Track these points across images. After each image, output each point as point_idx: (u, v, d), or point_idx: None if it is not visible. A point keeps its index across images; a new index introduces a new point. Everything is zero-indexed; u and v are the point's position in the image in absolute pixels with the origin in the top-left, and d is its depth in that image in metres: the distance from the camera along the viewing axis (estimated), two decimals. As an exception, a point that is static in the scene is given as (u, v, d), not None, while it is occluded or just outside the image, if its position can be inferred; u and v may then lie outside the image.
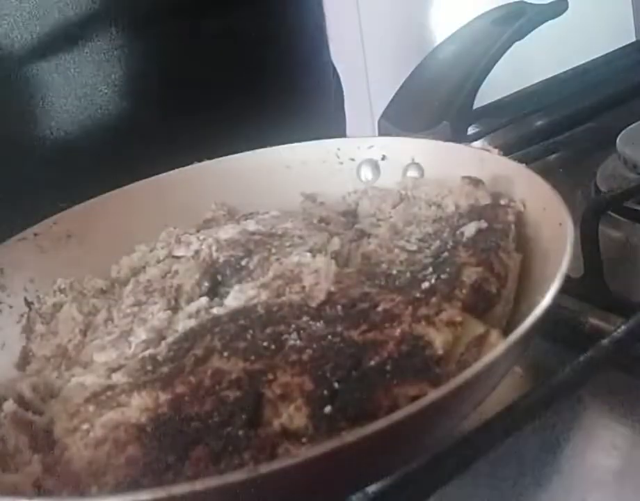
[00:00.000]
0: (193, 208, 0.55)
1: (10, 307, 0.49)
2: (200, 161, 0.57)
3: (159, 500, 0.29)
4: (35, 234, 0.52)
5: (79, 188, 0.54)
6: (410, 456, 0.36)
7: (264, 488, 0.30)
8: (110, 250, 0.52)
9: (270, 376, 0.35)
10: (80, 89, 0.65)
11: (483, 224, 0.45)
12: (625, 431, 0.44)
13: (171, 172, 0.56)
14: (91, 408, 0.37)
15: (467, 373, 0.32)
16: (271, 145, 0.57)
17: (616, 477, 0.41)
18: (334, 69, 0.88)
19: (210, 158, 0.57)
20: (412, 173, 0.53)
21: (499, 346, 0.34)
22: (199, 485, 0.29)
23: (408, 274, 0.43)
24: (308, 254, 0.45)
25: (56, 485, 0.35)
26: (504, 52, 0.58)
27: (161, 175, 0.56)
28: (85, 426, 0.36)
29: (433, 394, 0.32)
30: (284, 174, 0.56)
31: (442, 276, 0.41)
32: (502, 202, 0.47)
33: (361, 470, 0.33)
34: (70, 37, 0.63)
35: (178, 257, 0.49)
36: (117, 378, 0.39)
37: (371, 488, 0.36)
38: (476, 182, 0.48)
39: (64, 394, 0.40)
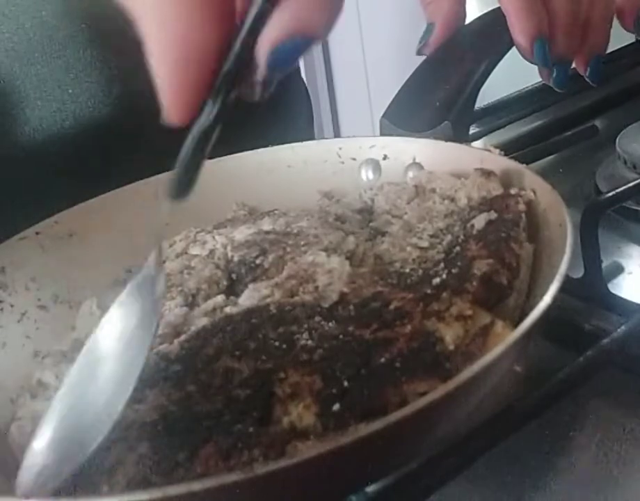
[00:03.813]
0: (195, 207, 0.55)
1: (12, 305, 0.49)
2: None
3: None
4: (37, 233, 0.52)
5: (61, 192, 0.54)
6: (410, 456, 0.36)
7: (262, 488, 0.30)
8: (113, 248, 0.52)
9: (282, 375, 0.35)
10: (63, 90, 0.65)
11: (493, 215, 0.44)
12: (625, 431, 0.44)
13: (172, 171, 0.56)
14: None
15: (463, 375, 0.32)
16: None
17: (617, 477, 0.41)
18: (305, 87, 0.89)
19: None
20: (413, 173, 0.53)
21: (496, 349, 0.34)
22: (196, 486, 0.29)
23: (420, 271, 0.43)
24: (323, 253, 0.45)
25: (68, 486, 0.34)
26: (506, 52, 0.58)
27: (163, 174, 0.56)
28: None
29: (422, 400, 0.32)
30: (284, 173, 0.56)
31: (453, 271, 0.41)
32: (512, 191, 0.46)
33: (360, 470, 0.33)
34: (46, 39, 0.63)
35: (194, 255, 0.49)
36: None
37: (371, 488, 0.36)
38: (487, 174, 0.48)
39: None
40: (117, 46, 0.64)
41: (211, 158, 0.57)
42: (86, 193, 0.54)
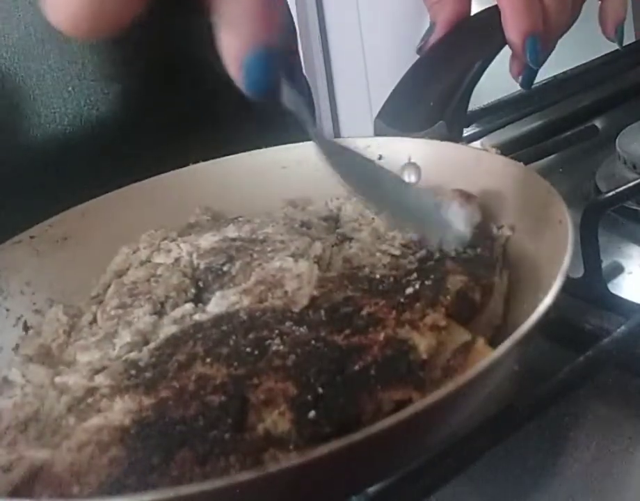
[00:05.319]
0: (190, 209, 0.55)
1: (7, 310, 0.49)
2: (194, 162, 0.57)
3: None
4: (31, 237, 0.51)
5: (68, 191, 0.54)
6: (409, 457, 0.36)
7: (266, 488, 0.30)
8: (107, 252, 0.51)
9: (255, 381, 0.35)
10: (68, 89, 0.64)
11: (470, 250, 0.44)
12: (625, 431, 0.44)
13: (167, 173, 0.56)
14: (72, 420, 0.36)
15: (475, 369, 0.32)
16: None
17: (617, 477, 0.41)
18: (307, 82, 0.89)
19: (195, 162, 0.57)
20: (409, 172, 0.53)
21: (503, 344, 0.33)
22: (207, 485, 0.29)
23: (392, 279, 0.42)
24: (290, 259, 0.44)
25: (38, 488, 0.34)
26: (499, 51, 0.58)
27: (157, 177, 0.56)
28: (66, 443, 0.35)
29: (433, 396, 0.31)
30: (281, 174, 0.56)
31: (427, 282, 0.40)
32: (493, 230, 0.46)
33: (362, 471, 0.33)
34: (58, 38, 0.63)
35: (159, 264, 0.49)
36: (100, 380, 0.38)
37: (371, 489, 0.36)
38: (467, 196, 0.47)
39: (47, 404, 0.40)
40: (116, 43, 0.64)
41: (196, 162, 0.57)
42: (85, 192, 0.54)
